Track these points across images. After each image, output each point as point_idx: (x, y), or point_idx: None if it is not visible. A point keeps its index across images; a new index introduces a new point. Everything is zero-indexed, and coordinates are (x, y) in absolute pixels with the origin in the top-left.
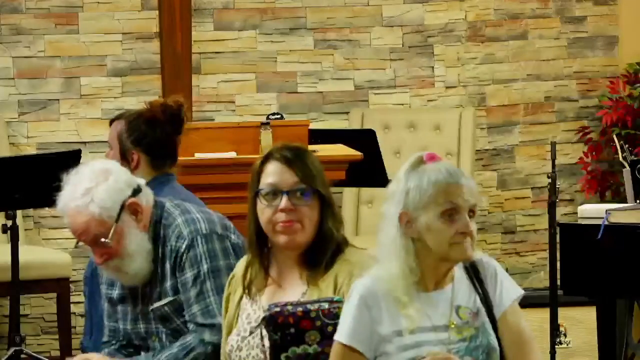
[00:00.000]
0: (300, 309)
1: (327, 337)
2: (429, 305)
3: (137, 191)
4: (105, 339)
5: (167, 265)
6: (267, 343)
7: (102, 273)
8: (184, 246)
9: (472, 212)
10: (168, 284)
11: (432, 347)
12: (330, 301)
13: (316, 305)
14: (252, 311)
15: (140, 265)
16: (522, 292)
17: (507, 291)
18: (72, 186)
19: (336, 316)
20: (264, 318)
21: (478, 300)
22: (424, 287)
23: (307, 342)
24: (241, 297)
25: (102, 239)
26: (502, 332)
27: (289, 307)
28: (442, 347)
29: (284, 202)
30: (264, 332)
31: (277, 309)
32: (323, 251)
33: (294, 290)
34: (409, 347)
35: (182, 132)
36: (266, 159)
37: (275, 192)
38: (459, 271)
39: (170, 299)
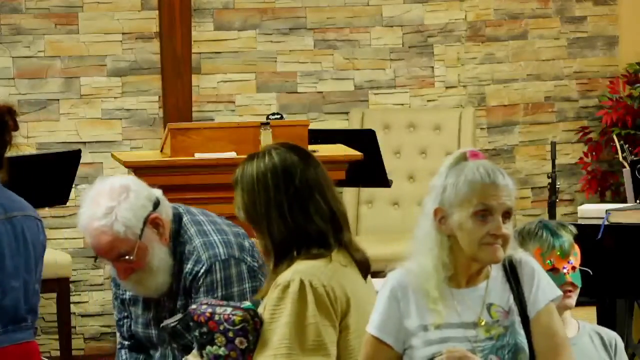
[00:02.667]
0: (209, 310)
1: (229, 342)
2: (460, 301)
3: (156, 204)
4: (119, 338)
5: (181, 285)
6: None
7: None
8: (202, 271)
9: (507, 213)
10: (179, 303)
11: (458, 344)
12: (235, 307)
13: (222, 309)
14: None
15: (163, 279)
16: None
17: (543, 291)
18: (91, 205)
19: (234, 323)
20: (184, 314)
21: (512, 299)
22: (456, 283)
23: (217, 344)
24: None
25: (126, 257)
26: (535, 332)
27: (203, 307)
28: (468, 345)
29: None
30: None
31: (194, 307)
32: (276, 259)
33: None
34: (434, 343)
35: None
36: None
37: None
38: (495, 269)
39: (180, 316)
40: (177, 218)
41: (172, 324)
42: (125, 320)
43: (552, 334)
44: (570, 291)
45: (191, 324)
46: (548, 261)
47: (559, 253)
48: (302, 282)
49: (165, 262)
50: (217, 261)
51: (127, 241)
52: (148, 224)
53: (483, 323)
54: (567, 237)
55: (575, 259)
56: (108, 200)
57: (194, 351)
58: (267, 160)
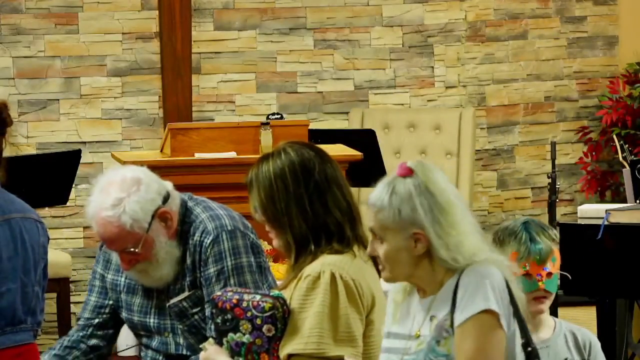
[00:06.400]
0: (236, 297)
1: (256, 329)
2: (418, 312)
3: (166, 198)
4: (87, 315)
5: (188, 261)
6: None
7: (103, 257)
8: (208, 241)
9: (374, 233)
10: (187, 279)
11: (396, 355)
12: (264, 294)
13: (251, 296)
14: None
15: (167, 271)
16: (484, 307)
17: (464, 307)
18: (102, 194)
19: (264, 310)
20: (208, 300)
21: (448, 312)
22: (423, 292)
23: (241, 331)
24: None
25: (132, 249)
26: (455, 347)
27: (229, 294)
28: (400, 356)
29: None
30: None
31: (219, 293)
32: (297, 254)
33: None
34: (384, 351)
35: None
36: None
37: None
38: (451, 279)
39: (187, 293)
40: (183, 203)
41: (178, 302)
42: (90, 301)
43: (460, 354)
44: (543, 297)
45: (214, 310)
46: (523, 266)
47: (535, 259)
48: (332, 275)
49: (171, 255)
50: (224, 231)
51: (134, 234)
52: (156, 218)
53: (418, 335)
54: (545, 243)
55: (552, 265)
56: (118, 191)
57: (211, 339)
58: (283, 157)
